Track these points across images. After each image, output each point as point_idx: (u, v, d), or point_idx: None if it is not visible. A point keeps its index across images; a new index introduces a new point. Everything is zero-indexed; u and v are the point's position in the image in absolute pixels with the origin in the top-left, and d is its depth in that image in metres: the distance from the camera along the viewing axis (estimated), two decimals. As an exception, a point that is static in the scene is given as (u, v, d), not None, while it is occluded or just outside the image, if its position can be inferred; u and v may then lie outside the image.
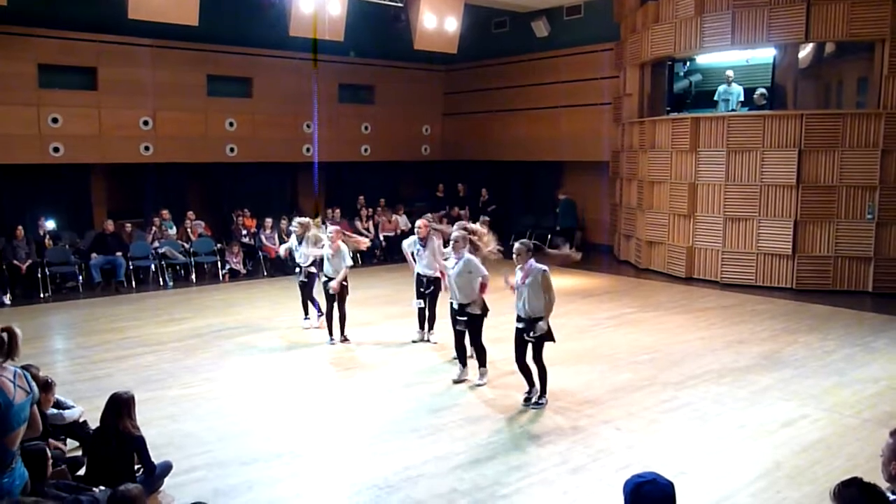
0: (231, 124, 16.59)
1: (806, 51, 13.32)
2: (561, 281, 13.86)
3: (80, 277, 13.35)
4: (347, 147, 18.44)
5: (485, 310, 7.76)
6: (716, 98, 14.22)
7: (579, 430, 6.41)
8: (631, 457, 5.81)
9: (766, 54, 13.63)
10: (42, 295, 12.67)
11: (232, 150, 16.60)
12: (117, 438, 5.01)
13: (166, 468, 5.35)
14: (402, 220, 17.52)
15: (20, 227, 12.93)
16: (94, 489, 4.51)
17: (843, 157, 12.23)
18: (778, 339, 9.51)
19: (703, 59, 14.84)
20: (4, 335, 3.37)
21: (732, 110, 13.75)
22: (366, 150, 18.89)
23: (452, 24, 16.51)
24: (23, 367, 3.73)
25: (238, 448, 6.10)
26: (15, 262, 12.59)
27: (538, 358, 7.09)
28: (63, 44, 14.43)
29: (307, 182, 18.15)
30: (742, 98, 13.93)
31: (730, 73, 14.05)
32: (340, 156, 18.30)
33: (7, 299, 12.11)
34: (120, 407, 5.13)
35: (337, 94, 18.37)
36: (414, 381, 7.90)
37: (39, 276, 12.82)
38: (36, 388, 3.71)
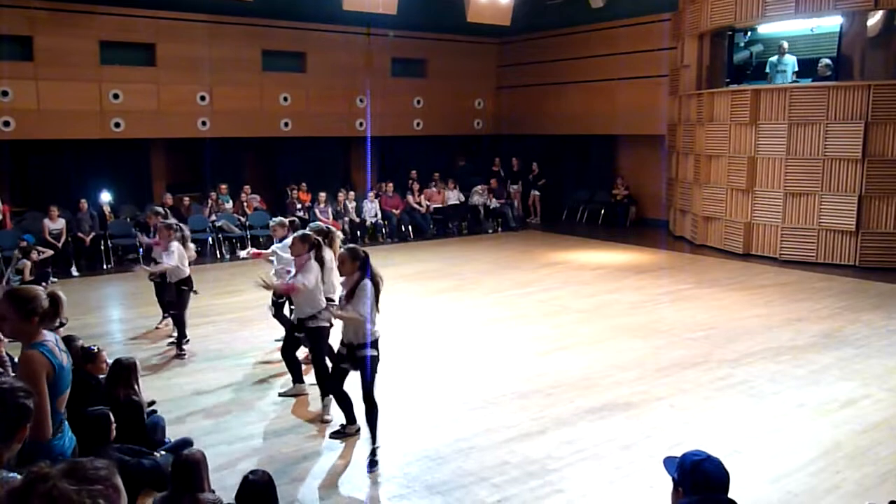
0: (285, 99, 16.74)
1: (875, 18, 12.78)
2: (614, 256, 13.79)
3: (141, 249, 13.71)
4: (400, 121, 18.45)
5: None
6: (767, 71, 13.77)
7: (632, 406, 6.35)
8: (684, 434, 5.75)
9: (832, 23, 13.11)
10: (105, 266, 13.07)
11: (286, 124, 16.77)
12: (122, 406, 4.92)
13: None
14: (454, 195, 17.50)
15: (83, 201, 13.37)
16: (156, 454, 4.66)
17: (913, 129, 11.75)
18: (839, 317, 9.25)
19: (764, 29, 14.35)
20: (48, 300, 3.48)
21: (794, 82, 13.30)
22: (418, 124, 18.87)
23: (506, -4, 16.30)
24: (65, 338, 3.84)
25: (293, 418, 6.24)
26: (80, 234, 13.02)
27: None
28: (123, 21, 14.72)
29: (360, 156, 18.24)
30: (797, 68, 13.47)
31: (784, 44, 13.57)
32: (393, 130, 18.30)
33: (74, 271, 12.54)
34: (120, 373, 5.09)
35: (389, 68, 18.36)
36: (462, 355, 7.93)
37: (102, 248, 13.24)
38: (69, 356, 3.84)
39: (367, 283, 5.39)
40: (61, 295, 3.52)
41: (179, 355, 7.92)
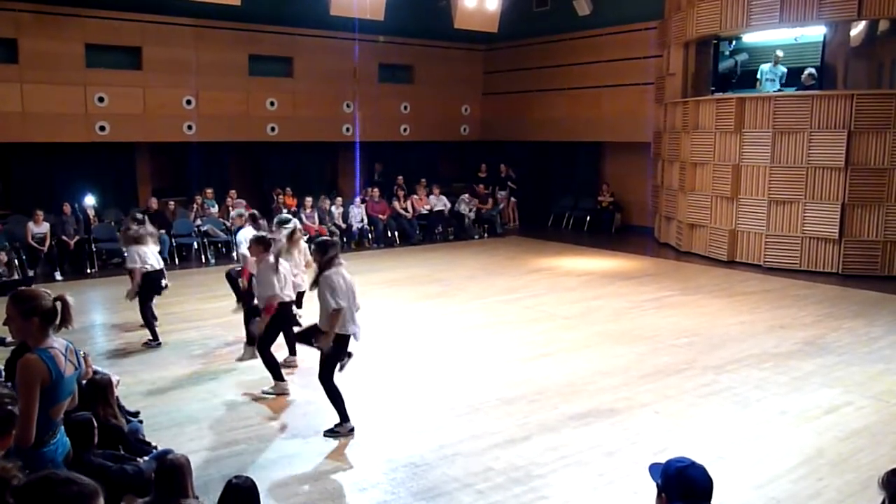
0: (272, 104, 16.71)
1: (858, 29, 12.94)
2: (599, 263, 13.83)
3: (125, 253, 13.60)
4: (387, 127, 18.47)
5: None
6: (758, 77, 13.90)
7: (616, 413, 6.37)
8: (668, 440, 5.77)
9: (815, 32, 13.26)
10: (89, 270, 12.96)
11: (273, 129, 16.74)
12: (101, 428, 4.60)
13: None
14: (441, 201, 17.49)
15: (67, 204, 13.26)
16: (139, 459, 4.61)
17: (895, 138, 11.87)
18: (822, 324, 9.32)
19: (749, 38, 14.49)
20: (58, 304, 3.44)
21: (779, 90, 13.43)
22: (405, 129, 18.89)
23: (493, 3, 16.37)
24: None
25: (277, 423, 6.21)
26: (64, 237, 12.91)
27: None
28: (109, 24, 14.65)
29: (347, 161, 18.25)
30: (784, 79, 13.62)
31: (779, 53, 13.71)
32: (380, 135, 18.33)
33: (58, 274, 12.44)
34: (96, 393, 4.83)
35: (377, 73, 18.37)
36: (447, 360, 7.93)
37: (87, 251, 13.14)
38: (83, 365, 3.81)
39: (326, 275, 5.75)
40: (69, 299, 3.48)
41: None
